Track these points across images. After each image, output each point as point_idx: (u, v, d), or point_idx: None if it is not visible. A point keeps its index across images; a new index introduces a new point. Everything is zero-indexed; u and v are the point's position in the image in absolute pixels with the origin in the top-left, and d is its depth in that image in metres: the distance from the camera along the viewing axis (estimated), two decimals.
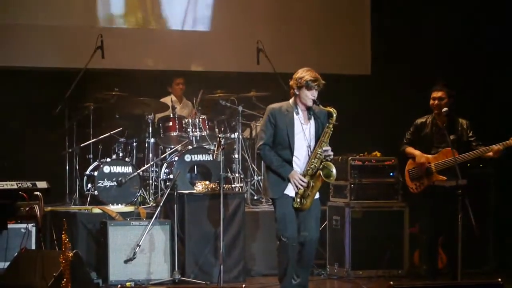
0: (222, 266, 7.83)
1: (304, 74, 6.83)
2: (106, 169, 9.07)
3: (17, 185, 7.73)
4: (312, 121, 6.88)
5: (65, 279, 6.51)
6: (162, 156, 9.57)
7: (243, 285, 6.80)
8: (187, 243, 8.26)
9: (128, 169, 9.12)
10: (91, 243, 8.37)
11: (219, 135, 8.77)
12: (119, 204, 8.83)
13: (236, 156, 9.39)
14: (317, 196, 6.88)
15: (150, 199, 9.28)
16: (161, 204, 8.37)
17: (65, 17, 10.36)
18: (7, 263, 7.44)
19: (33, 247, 7.97)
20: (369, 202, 8.63)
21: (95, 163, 9.26)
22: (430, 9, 10.69)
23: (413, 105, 9.21)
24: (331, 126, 6.82)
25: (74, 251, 6.94)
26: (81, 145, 9.46)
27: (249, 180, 9.52)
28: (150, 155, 9.52)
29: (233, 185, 9.01)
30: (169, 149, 9.60)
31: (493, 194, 9.10)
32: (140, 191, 9.19)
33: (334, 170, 6.77)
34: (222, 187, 7.91)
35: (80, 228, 8.36)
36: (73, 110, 9.56)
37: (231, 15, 11.01)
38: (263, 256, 8.66)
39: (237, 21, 10.97)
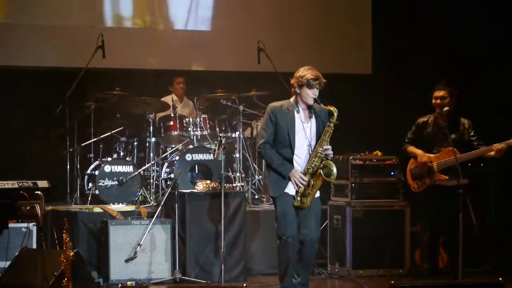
0: (223, 265, 7.82)
1: (305, 72, 6.83)
2: (107, 168, 9.07)
3: (18, 184, 7.77)
4: (313, 120, 6.88)
5: (66, 278, 6.52)
6: (163, 156, 9.58)
7: (244, 285, 6.78)
8: (188, 242, 8.26)
9: (129, 169, 9.12)
10: (92, 242, 8.37)
11: (220, 135, 8.78)
12: (120, 203, 8.84)
13: (237, 155, 9.39)
14: (317, 194, 6.88)
15: (151, 198, 9.29)
16: (162, 203, 8.37)
17: (65, 17, 10.38)
18: (8, 263, 7.45)
19: (34, 246, 7.95)
20: (370, 202, 8.62)
21: (96, 162, 9.27)
22: (430, 9, 10.69)
23: (413, 105, 9.23)
24: (332, 125, 6.82)
25: (75, 250, 6.95)
26: (82, 144, 9.47)
27: (250, 179, 9.52)
28: (151, 154, 9.53)
29: (234, 184, 9.01)
30: (170, 149, 9.61)
31: (494, 193, 9.09)
32: (141, 190, 9.19)
33: (334, 169, 6.78)
34: (223, 186, 7.91)
35: (81, 227, 8.36)
36: (74, 110, 9.56)
37: (232, 15, 11.01)
38: (264, 255, 8.66)
39: (238, 20, 10.98)
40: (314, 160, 6.80)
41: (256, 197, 9.47)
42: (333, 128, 6.82)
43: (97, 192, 8.99)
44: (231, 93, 9.64)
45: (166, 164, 9.41)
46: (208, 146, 9.36)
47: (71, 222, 8.05)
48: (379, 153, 8.79)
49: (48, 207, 8.33)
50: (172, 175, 9.13)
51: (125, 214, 8.49)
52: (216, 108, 9.90)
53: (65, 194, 9.46)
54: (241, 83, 10.08)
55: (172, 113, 9.62)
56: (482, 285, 5.92)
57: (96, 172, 9.05)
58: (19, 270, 7.18)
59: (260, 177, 9.42)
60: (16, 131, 9.97)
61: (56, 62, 10.34)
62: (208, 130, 9.47)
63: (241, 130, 9.40)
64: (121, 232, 8.13)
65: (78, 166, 9.43)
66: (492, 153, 7.86)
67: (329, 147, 6.80)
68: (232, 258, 8.27)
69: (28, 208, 7.56)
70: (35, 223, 7.92)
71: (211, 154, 9.08)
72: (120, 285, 7.78)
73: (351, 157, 8.65)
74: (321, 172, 6.76)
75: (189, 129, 9.45)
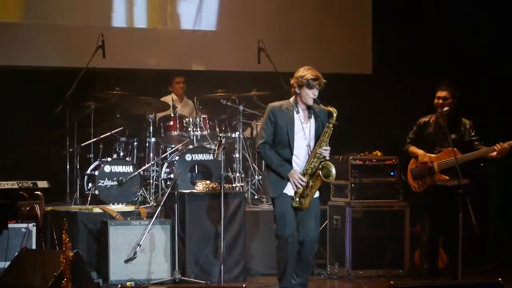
0: (222, 266, 7.82)
1: (305, 72, 6.82)
2: (107, 168, 9.07)
3: (18, 184, 7.77)
4: (312, 120, 6.87)
5: (65, 279, 6.51)
6: (162, 156, 9.57)
7: (244, 285, 6.80)
8: (187, 242, 8.26)
9: (128, 169, 9.11)
10: (92, 242, 8.37)
11: (220, 135, 8.79)
12: (120, 204, 8.84)
13: (237, 155, 9.38)
14: (316, 195, 6.87)
15: (151, 198, 9.28)
16: (161, 203, 8.37)
17: (65, 16, 10.36)
18: (8, 263, 7.46)
19: (34, 246, 7.95)
20: (369, 202, 8.62)
21: (96, 163, 9.26)
22: (430, 8, 10.68)
23: (414, 105, 9.22)
24: (331, 126, 6.80)
25: (75, 250, 6.95)
26: (82, 144, 9.46)
27: (249, 179, 9.52)
28: (151, 154, 9.52)
29: (233, 185, 9.02)
30: (170, 149, 9.60)
31: (495, 194, 9.09)
32: (141, 190, 9.19)
33: (333, 170, 6.76)
34: (222, 187, 7.91)
35: (80, 227, 8.36)
36: (74, 110, 9.56)
37: (232, 15, 11.00)
38: (264, 255, 8.65)
39: (238, 20, 10.97)
40: (313, 161, 6.79)
41: (256, 197, 9.46)
42: (332, 129, 6.80)
43: (96, 192, 8.99)
44: (231, 93, 9.64)
45: (166, 164, 9.41)
46: (208, 146, 9.36)
47: (71, 223, 8.05)
48: (379, 153, 8.79)
49: (47, 208, 8.35)
50: (171, 175, 9.13)
51: (124, 214, 8.49)
52: (216, 108, 9.90)
53: (64, 194, 9.47)
54: (241, 83, 10.07)
55: (172, 113, 9.61)
56: (481, 285, 5.92)
57: (96, 172, 9.05)
58: (18, 270, 7.18)
59: (260, 177, 9.41)
60: (16, 131, 9.96)
61: (56, 62, 10.32)
62: (208, 130, 9.46)
63: (241, 130, 9.40)
64: (120, 233, 8.13)
65: (78, 166, 9.43)
66: (494, 153, 7.85)
67: (328, 148, 6.80)
68: (231, 259, 8.27)
69: (28, 208, 7.58)
70: (34, 223, 7.92)
71: (211, 154, 9.08)
72: (119, 285, 7.78)
73: (350, 157, 8.65)
74: (320, 173, 6.75)
75: (189, 129, 9.45)
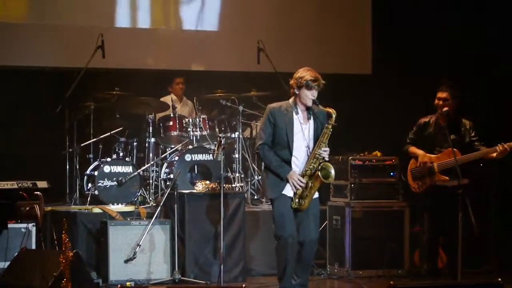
0: (222, 266, 7.82)
1: (304, 73, 6.81)
2: (107, 168, 9.07)
3: (18, 184, 7.77)
4: (312, 121, 6.86)
5: (65, 279, 6.52)
6: (162, 156, 9.57)
7: (243, 285, 6.79)
8: (187, 243, 8.26)
9: (128, 169, 9.11)
10: (91, 243, 8.37)
11: (220, 135, 8.79)
12: (119, 204, 8.84)
13: (237, 155, 9.39)
14: (316, 195, 6.87)
15: (150, 198, 9.28)
16: (161, 203, 8.37)
17: (65, 16, 10.36)
18: (7, 263, 7.46)
19: (33, 246, 7.95)
20: (369, 202, 8.62)
21: (96, 163, 9.25)
22: (430, 9, 10.68)
23: (413, 105, 9.22)
24: (330, 127, 6.80)
25: (74, 250, 6.97)
26: (82, 144, 9.46)
27: (249, 179, 9.52)
28: (151, 154, 9.52)
29: (233, 185, 9.02)
30: (169, 149, 9.60)
31: (495, 194, 9.09)
32: (140, 190, 9.19)
33: (332, 171, 6.76)
34: (222, 187, 7.90)
35: (80, 227, 8.36)
36: (73, 110, 9.56)
37: (231, 15, 11.00)
38: (263, 256, 8.65)
39: (238, 20, 10.96)
40: (312, 162, 6.78)
41: (256, 197, 9.47)
42: (331, 130, 6.80)
43: (96, 192, 8.99)
44: (231, 93, 9.64)
45: (165, 165, 9.41)
46: (207, 146, 9.36)
47: (71, 223, 8.07)
48: (379, 154, 8.79)
49: (47, 208, 8.35)
50: (171, 176, 9.12)
51: (124, 214, 8.50)
52: (215, 108, 9.89)
53: (64, 194, 9.46)
54: (240, 83, 10.08)
55: (171, 113, 9.61)
56: (481, 285, 5.91)
57: (96, 173, 9.04)
58: (18, 270, 7.18)
59: (260, 177, 9.41)
60: (16, 131, 9.96)
61: (56, 62, 10.32)
62: (208, 131, 9.46)
63: (240, 131, 9.40)
64: (120, 233, 8.13)
65: (78, 167, 9.42)
66: (494, 154, 7.84)
67: (327, 149, 6.79)
68: (231, 259, 8.27)
69: (28, 208, 7.57)
70: (34, 223, 7.92)
71: (211, 155, 9.08)
72: (119, 285, 7.78)
73: (350, 158, 8.65)
74: (319, 174, 6.75)
75: (189, 129, 9.45)
